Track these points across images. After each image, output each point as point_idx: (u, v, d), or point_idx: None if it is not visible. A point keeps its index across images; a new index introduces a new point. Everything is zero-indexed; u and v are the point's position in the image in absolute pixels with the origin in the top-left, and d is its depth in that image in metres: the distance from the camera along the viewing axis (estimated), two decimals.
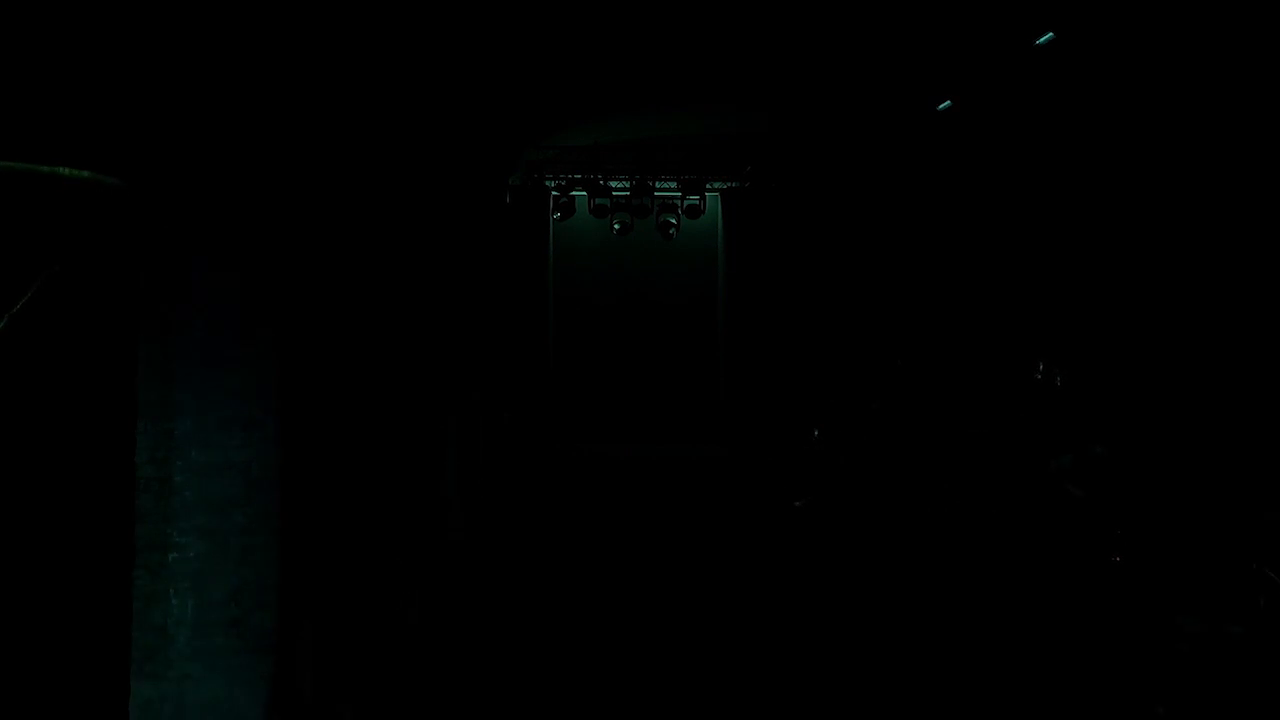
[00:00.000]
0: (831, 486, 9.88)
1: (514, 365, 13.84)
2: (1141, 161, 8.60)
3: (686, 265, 15.42)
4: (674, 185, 14.78)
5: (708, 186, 14.92)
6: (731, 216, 15.31)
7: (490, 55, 8.02)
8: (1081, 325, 9.26)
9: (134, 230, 3.66)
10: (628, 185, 14.62)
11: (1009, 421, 7.92)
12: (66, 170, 3.25)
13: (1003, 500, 6.89)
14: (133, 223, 3.63)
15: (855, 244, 14.19)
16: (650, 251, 15.21)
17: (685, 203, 14.73)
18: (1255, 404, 6.07)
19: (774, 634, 6.53)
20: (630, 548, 9.04)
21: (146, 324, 4.40)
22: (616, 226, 14.78)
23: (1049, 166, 10.11)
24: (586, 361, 15.29)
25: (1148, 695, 4.77)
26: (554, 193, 14.78)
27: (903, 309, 13.30)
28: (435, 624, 6.18)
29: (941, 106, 11.52)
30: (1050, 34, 9.09)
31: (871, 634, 6.55)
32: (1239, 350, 7.00)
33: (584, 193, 14.70)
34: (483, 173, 10.47)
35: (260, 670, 4.59)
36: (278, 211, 4.64)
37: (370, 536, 5.35)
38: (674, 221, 14.79)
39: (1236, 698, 4.40)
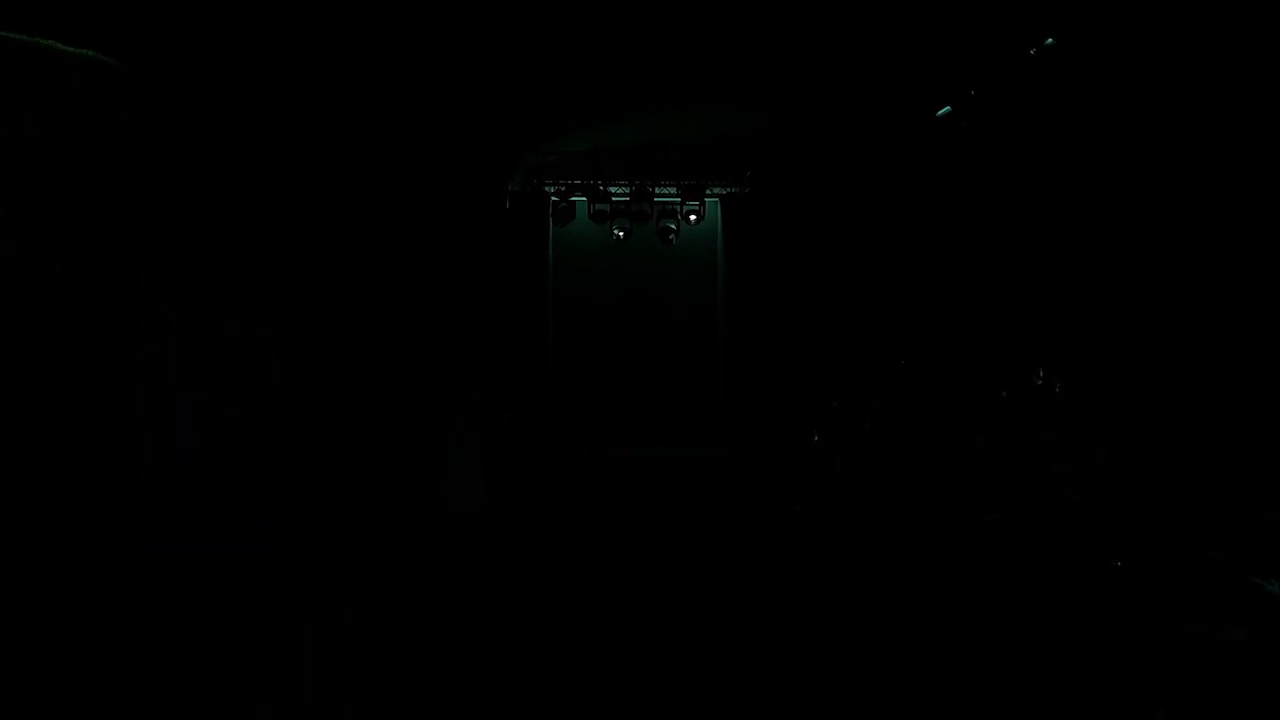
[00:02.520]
0: (831, 490, 9.88)
1: (514, 367, 13.86)
2: (1142, 166, 8.62)
3: (686, 269, 15.48)
4: (674, 191, 14.82)
5: (708, 192, 14.96)
6: (731, 221, 15.37)
7: (489, 58, 8.04)
8: (1082, 329, 9.26)
9: (139, 126, 3.61)
10: (627, 191, 14.66)
11: (1009, 425, 7.91)
12: (62, 46, 3.20)
13: (1003, 504, 6.88)
14: (137, 115, 3.58)
15: (855, 248, 14.21)
16: (650, 255, 15.26)
17: (685, 208, 14.77)
18: (1255, 405, 6.07)
19: (770, 633, 6.52)
20: (628, 546, 9.03)
21: (146, 324, 4.40)
22: (619, 234, 14.80)
23: (1050, 172, 10.13)
24: (586, 363, 15.32)
25: (1148, 697, 4.76)
26: (553, 198, 14.82)
27: (903, 313, 13.32)
28: (436, 621, 6.17)
29: (941, 112, 11.56)
30: (1050, 39, 9.13)
31: (870, 635, 6.53)
32: (1238, 352, 7.00)
33: (584, 198, 14.74)
34: (481, 178, 10.48)
35: None
36: (277, 211, 4.65)
37: (370, 535, 5.36)
38: (674, 227, 14.83)
39: (1237, 700, 4.39)
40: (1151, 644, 4.75)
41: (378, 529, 5.42)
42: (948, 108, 11.33)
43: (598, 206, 14.64)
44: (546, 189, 14.79)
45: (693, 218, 14.73)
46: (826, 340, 14.17)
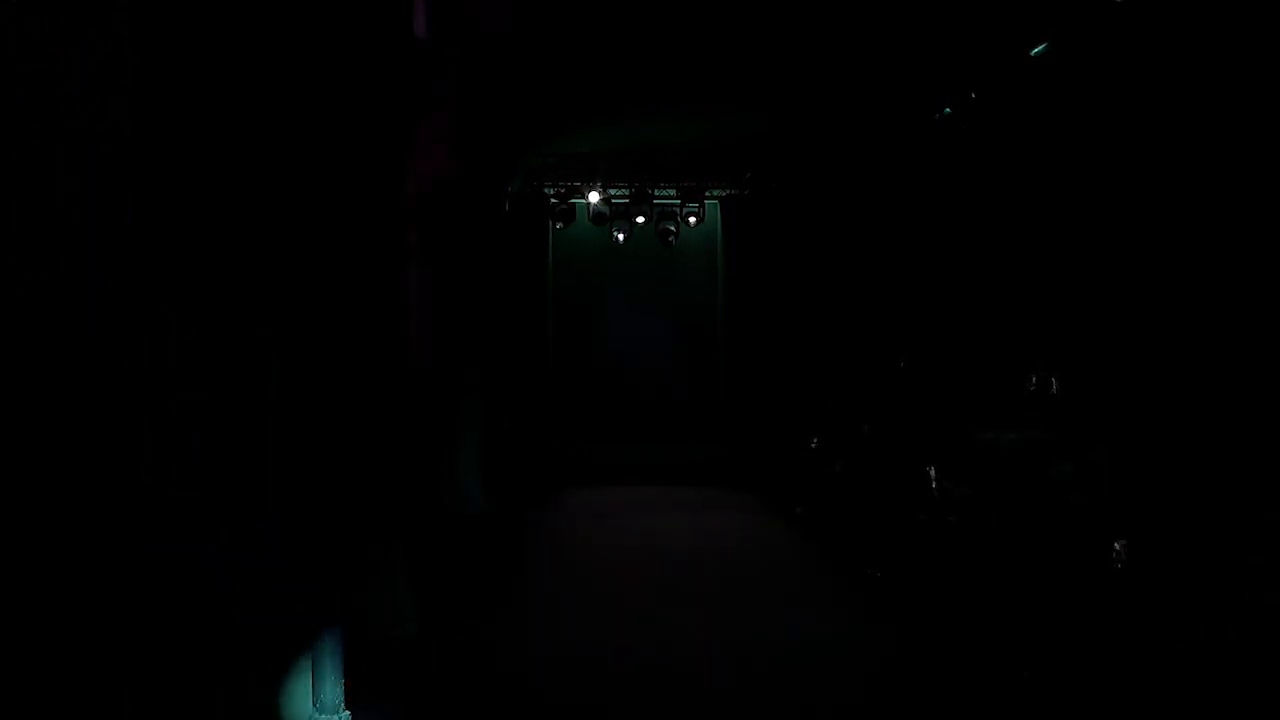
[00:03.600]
0: (831, 493, 9.88)
1: (514, 366, 13.87)
2: (1138, 166, 8.62)
3: (686, 270, 15.49)
4: (673, 193, 14.83)
5: (707, 194, 14.97)
6: (731, 223, 15.37)
7: (492, 59, 8.03)
8: (1080, 331, 9.26)
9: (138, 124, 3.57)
10: (627, 193, 14.67)
11: (1009, 427, 7.91)
12: None
13: (1003, 507, 6.88)
14: (137, 113, 3.54)
15: (854, 250, 14.22)
16: (650, 257, 15.27)
17: (685, 210, 14.78)
18: (1254, 405, 6.07)
19: (769, 633, 6.52)
20: (627, 549, 8.99)
21: (147, 324, 4.39)
22: (620, 236, 14.82)
23: (1048, 174, 10.14)
24: (586, 363, 15.32)
25: (1147, 702, 4.76)
26: (553, 200, 14.82)
27: (903, 315, 13.32)
28: (436, 621, 6.17)
29: (940, 115, 11.56)
30: (1045, 44, 9.15)
31: (868, 638, 6.54)
32: (1236, 354, 7.01)
33: (583, 200, 14.74)
34: (483, 179, 10.48)
35: None
36: (278, 210, 4.65)
37: (369, 535, 5.37)
38: (673, 229, 14.84)
39: (1237, 703, 4.39)
40: (1150, 647, 4.75)
41: (377, 529, 5.42)
42: (948, 109, 11.32)
43: (597, 208, 14.67)
44: (546, 191, 14.79)
45: (692, 219, 14.75)
46: (827, 342, 14.18)
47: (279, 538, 4.78)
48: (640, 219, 14.73)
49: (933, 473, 7.88)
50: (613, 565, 8.56)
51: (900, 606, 7.22)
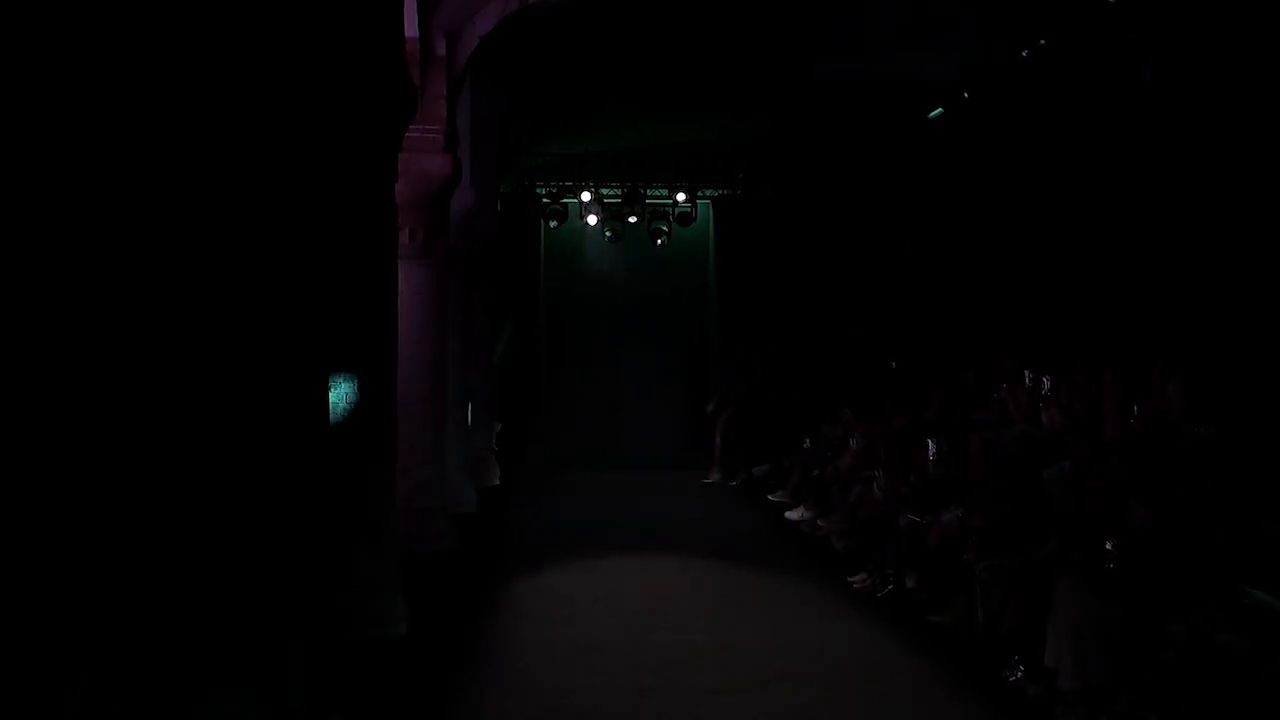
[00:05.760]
0: (824, 495, 9.87)
1: (507, 369, 13.86)
2: (1127, 169, 8.65)
3: (678, 270, 15.48)
4: (665, 193, 14.83)
5: (699, 194, 14.97)
6: (723, 223, 15.36)
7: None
8: (1074, 331, 9.29)
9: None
10: (619, 193, 14.65)
11: (1001, 426, 7.91)
12: None
13: (995, 508, 6.86)
14: None
15: (845, 251, 14.27)
16: (642, 257, 15.27)
17: (677, 210, 14.79)
18: (1255, 411, 6.08)
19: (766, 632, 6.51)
20: (626, 556, 8.94)
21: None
22: (609, 234, 14.82)
23: (1040, 171, 10.18)
24: (579, 363, 15.29)
25: (1141, 704, 4.76)
26: (545, 199, 14.79)
27: (893, 314, 13.36)
28: (426, 619, 6.14)
29: (933, 114, 11.59)
30: (1024, 52, 9.19)
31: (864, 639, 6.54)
32: (1234, 356, 7.02)
33: (575, 200, 14.73)
34: (474, 181, 10.44)
35: None
36: (275, 212, 4.62)
37: (364, 534, 5.35)
38: (665, 229, 14.84)
39: (1231, 706, 4.38)
40: (1143, 652, 4.74)
41: (365, 527, 5.40)
42: (939, 110, 11.39)
43: (589, 208, 14.67)
44: (539, 190, 14.77)
45: (684, 220, 14.76)
46: (818, 340, 14.20)
47: (266, 537, 4.73)
48: (632, 219, 14.74)
49: (932, 445, 7.89)
50: (600, 562, 8.54)
51: (894, 609, 7.22)
